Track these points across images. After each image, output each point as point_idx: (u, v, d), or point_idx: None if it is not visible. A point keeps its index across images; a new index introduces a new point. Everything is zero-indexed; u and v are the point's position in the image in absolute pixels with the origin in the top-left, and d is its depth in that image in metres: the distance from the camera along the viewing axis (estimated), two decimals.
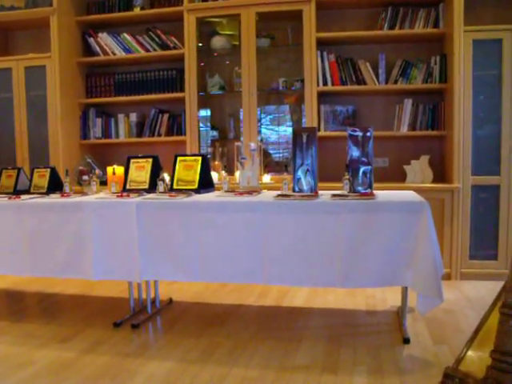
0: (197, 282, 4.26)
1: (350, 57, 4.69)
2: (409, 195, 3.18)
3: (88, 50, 5.22)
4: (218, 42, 4.90)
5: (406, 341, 2.96)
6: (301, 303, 3.79)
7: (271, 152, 5.13)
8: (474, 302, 3.72)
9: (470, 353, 2.01)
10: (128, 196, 3.31)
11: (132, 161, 3.66)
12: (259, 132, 4.99)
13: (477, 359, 1.94)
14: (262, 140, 5.01)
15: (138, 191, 3.44)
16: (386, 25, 4.62)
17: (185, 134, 4.90)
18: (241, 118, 4.84)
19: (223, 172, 3.52)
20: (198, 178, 3.46)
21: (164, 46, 4.97)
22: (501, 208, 4.34)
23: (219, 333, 3.20)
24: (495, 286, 2.08)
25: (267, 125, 5.11)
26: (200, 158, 3.51)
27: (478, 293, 3.94)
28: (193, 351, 2.90)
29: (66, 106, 5.05)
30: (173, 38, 4.95)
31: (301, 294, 4.00)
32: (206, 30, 5.00)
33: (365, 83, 4.65)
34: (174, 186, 3.49)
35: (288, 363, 2.72)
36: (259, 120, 5.01)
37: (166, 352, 2.90)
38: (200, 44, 4.93)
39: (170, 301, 3.84)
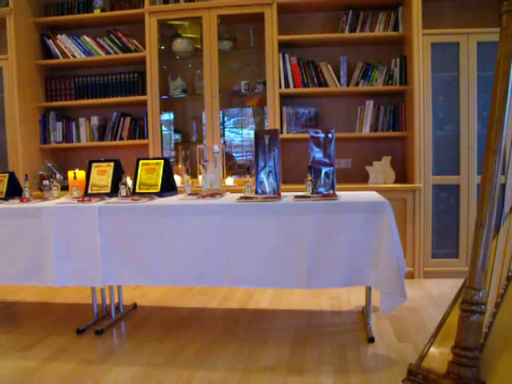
0: (161, 286, 4.23)
1: (311, 59, 4.72)
2: (371, 196, 3.22)
3: (47, 53, 5.12)
4: (179, 44, 4.87)
5: (371, 339, 2.99)
6: (266, 305, 3.79)
7: (235, 155, 5.13)
8: (437, 299, 3.78)
9: (432, 349, 2.04)
10: (90, 200, 3.26)
11: (93, 165, 3.61)
12: (222, 135, 4.98)
13: (439, 355, 1.97)
14: (225, 143, 5.01)
15: (100, 195, 3.40)
16: (346, 28, 4.67)
17: (147, 138, 4.85)
18: (204, 120, 4.82)
19: (186, 175, 3.50)
20: (160, 181, 3.43)
21: (125, 49, 4.91)
22: (461, 207, 4.43)
23: (184, 336, 3.18)
24: (457, 284, 2.12)
25: (231, 128, 5.10)
26: (162, 162, 3.48)
27: (441, 290, 4.00)
28: (158, 355, 2.87)
29: (25, 109, 4.95)
30: (134, 41, 4.90)
31: (266, 295, 4.00)
32: (168, 32, 4.97)
33: (327, 85, 4.68)
34: (137, 190, 3.46)
35: (253, 365, 2.71)
36: (222, 123, 5.00)
37: (130, 357, 2.86)
38: (162, 47, 4.89)
39: (135, 306, 3.80)
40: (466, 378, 1.79)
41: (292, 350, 2.91)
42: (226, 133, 5.10)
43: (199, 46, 4.84)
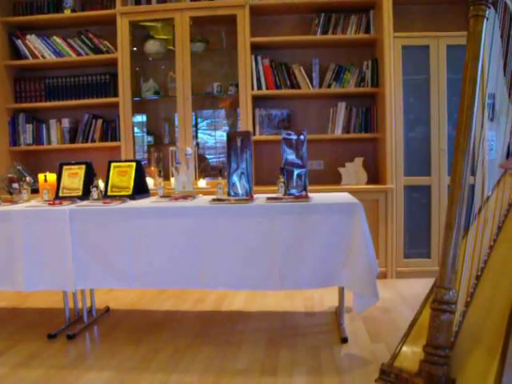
0: (134, 290, 4.19)
1: (284, 61, 4.74)
2: (343, 197, 3.24)
3: (16, 53, 5.03)
4: (152, 46, 4.84)
5: (344, 340, 3.01)
6: (239, 307, 3.79)
7: (208, 157, 5.11)
8: (409, 299, 3.82)
9: (404, 348, 2.05)
10: (60, 204, 3.21)
11: (64, 167, 3.57)
12: (195, 137, 4.96)
13: (411, 354, 1.98)
14: (198, 145, 4.99)
15: (71, 199, 3.35)
16: (319, 30, 4.69)
17: (119, 140, 4.80)
18: (176, 122, 4.80)
19: (158, 177, 3.47)
20: (132, 183, 3.41)
21: (96, 50, 4.86)
22: (432, 207, 4.49)
23: (158, 339, 3.15)
24: (429, 283, 2.14)
25: (204, 129, 5.09)
26: (134, 164, 3.45)
27: (413, 290, 4.05)
28: (131, 359, 2.85)
29: None
30: (105, 42, 4.85)
31: (239, 297, 4.00)
32: (140, 33, 4.93)
33: (299, 87, 4.70)
34: (108, 193, 3.43)
35: (227, 367, 2.70)
36: (196, 125, 4.98)
37: (103, 362, 2.83)
38: (134, 48, 4.86)
39: (107, 309, 3.76)
40: (437, 376, 1.80)
41: (266, 351, 2.91)
42: (200, 134, 5.08)
43: (172, 48, 4.81)
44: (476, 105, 1.89)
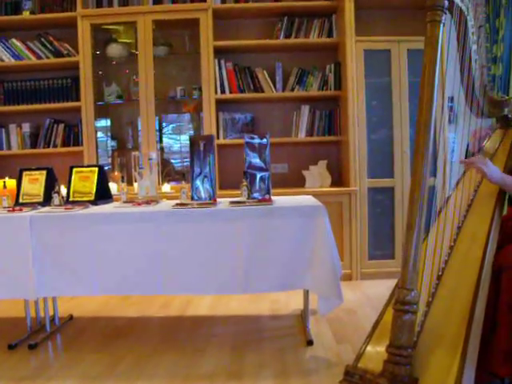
0: (98, 296, 4.13)
1: (247, 65, 4.75)
2: (306, 200, 3.25)
3: None
4: (114, 49, 4.79)
5: (310, 342, 3.02)
6: (204, 312, 3.77)
7: (173, 161, 5.08)
8: (374, 300, 3.85)
9: (368, 349, 2.06)
10: (21, 210, 3.14)
11: (25, 173, 3.49)
12: (160, 141, 4.93)
13: (375, 355, 1.99)
14: (162, 149, 4.96)
15: (32, 205, 3.28)
16: (282, 34, 4.72)
17: (82, 145, 4.74)
18: (140, 127, 4.75)
19: (121, 182, 3.43)
20: (94, 189, 3.36)
21: (57, 53, 4.77)
22: (396, 209, 4.55)
23: (122, 346, 3.11)
24: (393, 284, 2.16)
25: (169, 134, 5.05)
26: (96, 169, 3.41)
27: (378, 291, 4.08)
28: (95, 367, 2.80)
29: None
30: (66, 45, 4.76)
31: (204, 302, 3.98)
32: (102, 37, 4.87)
33: (262, 91, 4.72)
34: (71, 199, 3.37)
35: (193, 372, 2.69)
36: (160, 129, 4.95)
37: (66, 371, 2.76)
38: (97, 52, 4.80)
39: (71, 317, 3.69)
40: (400, 375, 1.82)
41: (231, 355, 2.90)
42: (165, 139, 5.04)
43: (134, 51, 4.77)
44: (434, 108, 1.92)
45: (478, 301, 1.96)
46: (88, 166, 3.50)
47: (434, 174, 4.11)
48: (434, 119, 1.92)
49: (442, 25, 1.94)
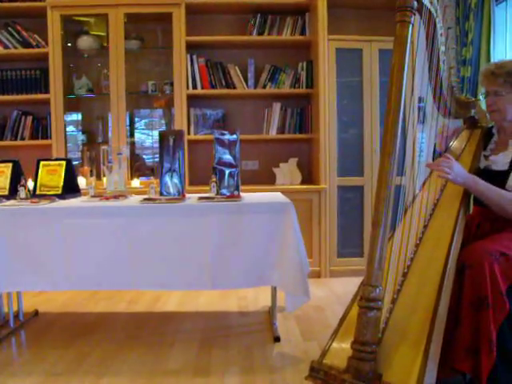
0: (65, 292, 4.08)
1: (219, 61, 4.74)
2: (274, 196, 3.26)
3: None
4: (85, 42, 4.72)
5: (277, 339, 3.03)
6: (173, 308, 3.76)
7: (146, 157, 5.03)
8: (342, 297, 3.88)
9: (334, 346, 2.07)
10: None
11: None
12: (131, 135, 4.88)
13: (340, 351, 2.01)
14: (134, 144, 4.92)
15: None
16: (254, 31, 4.72)
17: (51, 138, 4.66)
18: (110, 121, 4.70)
19: (90, 177, 3.40)
20: (62, 182, 3.32)
21: (26, 44, 4.67)
22: (365, 207, 4.59)
23: (88, 342, 3.08)
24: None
25: (142, 129, 5.01)
26: (64, 163, 3.37)
27: (346, 288, 4.11)
28: (60, 364, 2.76)
29: None
30: (35, 36, 4.67)
31: (173, 298, 3.96)
32: (73, 28, 4.78)
33: (234, 87, 4.71)
34: (37, 192, 3.32)
35: (159, 369, 2.68)
36: (131, 124, 4.90)
37: (29, 367, 2.72)
38: (69, 44, 4.73)
39: (36, 313, 3.64)
40: (364, 371, 1.84)
41: (198, 352, 2.90)
42: (137, 134, 4.99)
43: (106, 44, 4.71)
44: (402, 107, 1.94)
45: (442, 298, 1.99)
46: (56, 160, 3.45)
47: (403, 174, 4.19)
48: (403, 119, 1.95)
49: (410, 25, 1.96)
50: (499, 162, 2.45)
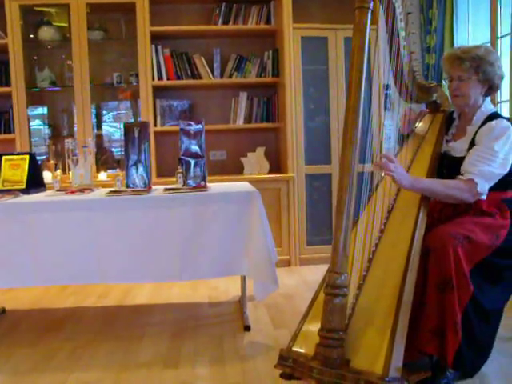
0: (34, 288, 4.03)
1: (185, 51, 4.69)
2: (241, 186, 3.26)
3: None
4: (45, 32, 4.62)
5: (247, 328, 3.04)
6: (143, 300, 3.74)
7: (114, 150, 4.96)
8: (312, 285, 3.85)
9: (302, 333, 2.09)
10: None
11: None
12: (98, 128, 4.82)
13: (309, 338, 2.02)
14: (102, 137, 4.85)
15: None
16: (220, 20, 4.68)
17: (14, 132, 4.57)
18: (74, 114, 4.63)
19: (55, 171, 3.35)
20: (26, 177, 3.26)
21: None
22: (333, 195, 4.61)
23: (57, 338, 3.04)
24: None
25: (110, 122, 4.94)
26: (27, 157, 3.31)
27: (316, 276, 4.10)
28: (28, 361, 2.72)
29: None
30: None
31: (144, 290, 3.94)
32: (34, 19, 4.68)
33: (200, 77, 4.68)
34: (0, 187, 3.26)
35: (129, 362, 2.66)
36: (98, 116, 4.83)
37: None
38: (31, 35, 4.63)
39: (3, 310, 3.58)
40: (331, 358, 1.85)
41: (169, 343, 2.89)
42: (105, 127, 4.91)
43: (68, 35, 4.61)
44: (362, 93, 1.95)
45: (407, 281, 2.02)
46: (19, 154, 3.39)
47: (372, 161, 4.22)
48: (369, 106, 1.95)
49: (369, 11, 1.97)
50: (457, 148, 2.49)
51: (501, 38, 3.87)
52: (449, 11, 4.32)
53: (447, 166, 2.46)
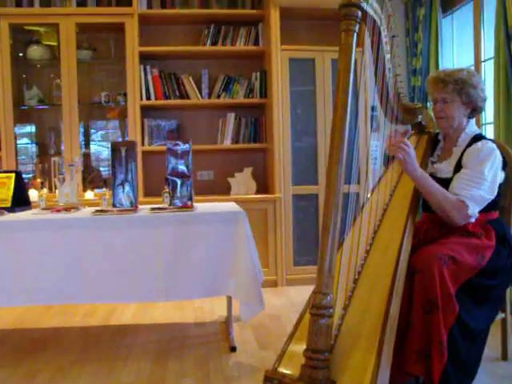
0: (17, 308, 3.97)
1: (173, 71, 4.73)
2: (228, 206, 3.27)
3: None
4: (35, 51, 4.63)
5: (233, 349, 3.02)
6: (128, 320, 3.70)
7: (102, 169, 4.95)
8: (299, 305, 3.86)
9: (288, 354, 2.08)
10: None
11: None
12: (87, 147, 4.83)
13: (295, 359, 2.01)
14: (89, 156, 4.84)
15: None
16: (208, 41, 4.73)
17: (0, 150, 4.54)
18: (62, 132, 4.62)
19: (41, 189, 3.33)
20: (11, 195, 3.24)
21: None
22: (320, 215, 4.61)
23: (39, 359, 2.99)
24: None
25: (98, 141, 4.94)
26: (13, 175, 3.29)
27: (303, 297, 4.06)
28: (8, 383, 2.67)
29: None
30: None
31: (128, 310, 3.90)
32: (24, 38, 4.70)
33: (188, 98, 4.70)
34: None
35: (113, 383, 2.62)
36: (87, 135, 4.83)
37: None
38: (20, 54, 4.64)
39: None
40: (317, 379, 1.84)
41: (153, 364, 2.86)
42: (94, 146, 4.91)
43: (57, 54, 4.62)
44: (348, 114, 1.96)
45: (393, 301, 2.01)
46: (5, 172, 3.37)
47: (358, 182, 4.25)
48: (355, 127, 1.97)
49: (355, 34, 2.00)
50: (443, 169, 2.51)
51: (484, 61, 3.94)
52: (434, 35, 4.39)
53: None
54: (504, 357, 2.74)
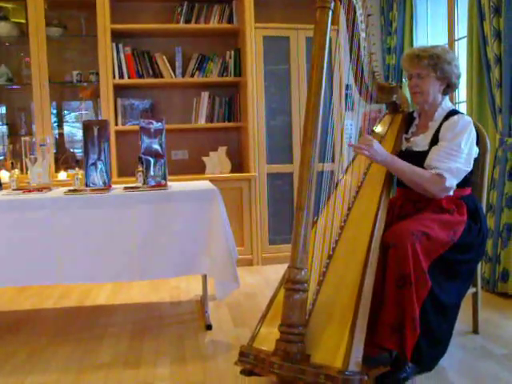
0: None
1: (146, 50, 4.65)
2: (201, 185, 3.26)
3: None
4: (2, 28, 4.48)
5: (209, 327, 3.03)
6: (104, 301, 3.69)
7: (76, 150, 4.88)
8: (274, 283, 3.81)
9: (262, 329, 2.10)
10: None
11: None
12: (60, 127, 4.75)
13: (269, 334, 2.03)
14: (63, 136, 4.76)
15: None
16: (182, 19, 4.66)
17: None
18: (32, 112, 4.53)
19: (12, 169, 3.27)
20: None
21: None
22: (295, 194, 4.61)
23: (14, 342, 2.96)
24: None
25: (72, 122, 4.85)
26: None
27: (278, 275, 4.05)
28: None
29: None
30: None
31: (104, 291, 3.89)
32: None
33: (162, 76, 4.64)
34: None
35: (88, 363, 2.62)
36: (59, 116, 4.75)
37: None
38: None
39: None
40: (292, 353, 1.86)
41: (129, 344, 2.86)
42: (67, 127, 4.83)
43: (26, 31, 4.51)
44: (323, 91, 1.97)
45: (367, 275, 2.04)
46: None
47: (333, 160, 4.26)
48: (330, 106, 1.97)
49: (330, 11, 1.99)
50: (419, 143, 2.53)
51: (458, 40, 3.96)
52: (408, 13, 4.40)
53: (408, 161, 2.50)
54: (475, 330, 2.80)
